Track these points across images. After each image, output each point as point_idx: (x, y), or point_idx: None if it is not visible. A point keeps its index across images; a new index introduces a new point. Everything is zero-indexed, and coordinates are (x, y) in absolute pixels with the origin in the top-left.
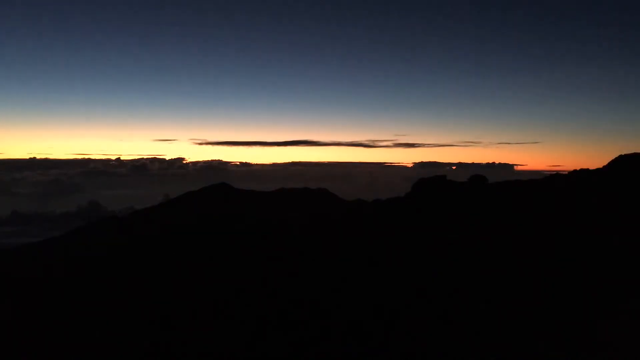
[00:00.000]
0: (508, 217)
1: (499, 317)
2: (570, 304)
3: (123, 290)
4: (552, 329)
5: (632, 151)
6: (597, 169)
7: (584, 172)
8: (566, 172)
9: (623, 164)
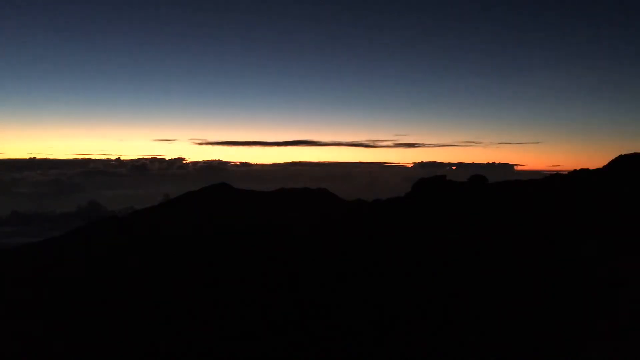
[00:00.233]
0: (508, 217)
1: (499, 317)
2: (570, 304)
3: (123, 290)
4: (552, 329)
5: (632, 151)
6: (597, 169)
7: (584, 172)
8: (566, 172)
9: (623, 164)
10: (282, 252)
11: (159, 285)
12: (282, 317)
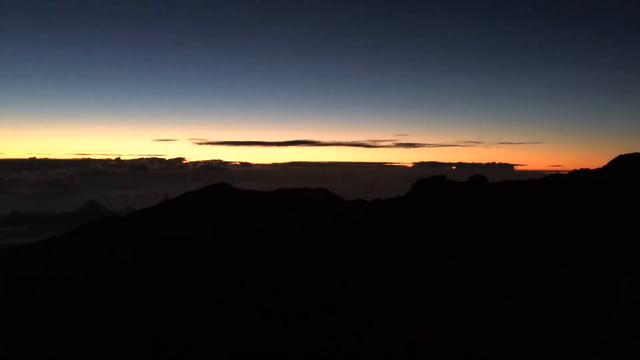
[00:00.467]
0: (508, 217)
1: (499, 317)
2: (570, 304)
3: (123, 290)
4: (552, 329)
5: (632, 151)
6: (597, 169)
7: (584, 172)
8: (566, 172)
9: (623, 164)
10: (282, 252)
11: (159, 285)
12: (282, 317)
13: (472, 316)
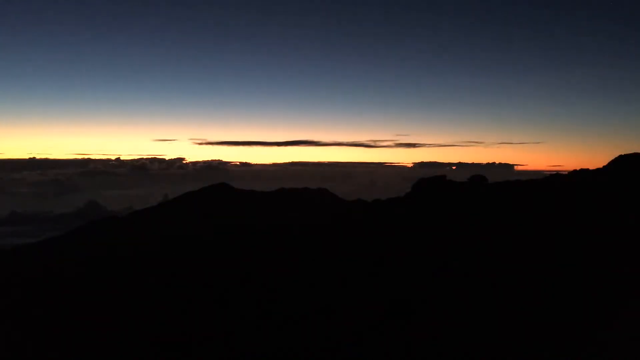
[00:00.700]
0: (508, 217)
1: (499, 317)
2: (570, 304)
3: (123, 290)
4: (552, 329)
5: (632, 151)
6: (597, 169)
7: (584, 172)
8: (566, 172)
9: (623, 164)
10: (282, 252)
11: (159, 285)
12: (282, 317)
13: (472, 316)
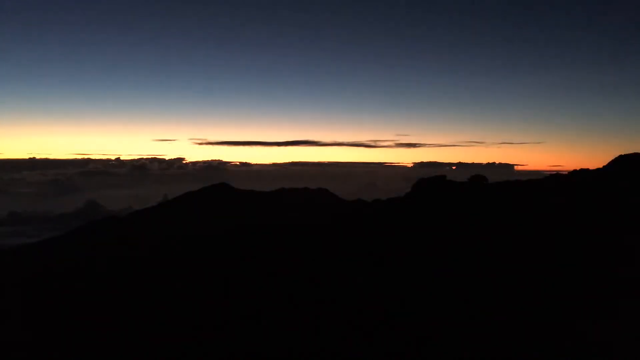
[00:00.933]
0: (508, 217)
1: (499, 316)
2: (570, 304)
3: (123, 290)
4: (552, 328)
5: (632, 151)
6: (597, 169)
7: (584, 172)
8: (566, 172)
9: (623, 164)
10: (282, 252)
11: (159, 285)
12: (282, 317)
13: (472, 316)
